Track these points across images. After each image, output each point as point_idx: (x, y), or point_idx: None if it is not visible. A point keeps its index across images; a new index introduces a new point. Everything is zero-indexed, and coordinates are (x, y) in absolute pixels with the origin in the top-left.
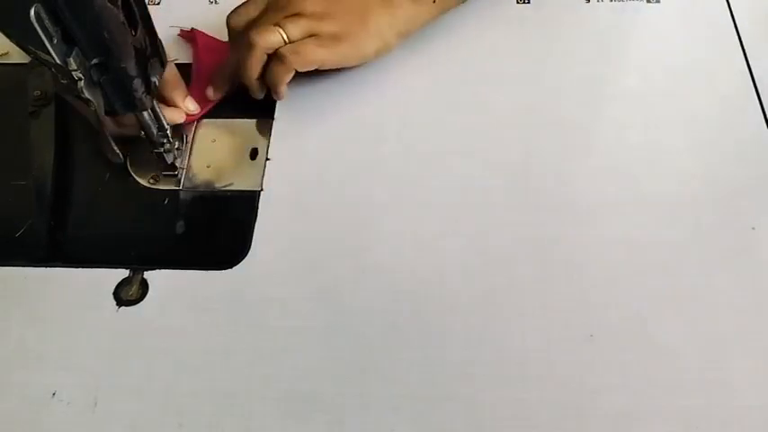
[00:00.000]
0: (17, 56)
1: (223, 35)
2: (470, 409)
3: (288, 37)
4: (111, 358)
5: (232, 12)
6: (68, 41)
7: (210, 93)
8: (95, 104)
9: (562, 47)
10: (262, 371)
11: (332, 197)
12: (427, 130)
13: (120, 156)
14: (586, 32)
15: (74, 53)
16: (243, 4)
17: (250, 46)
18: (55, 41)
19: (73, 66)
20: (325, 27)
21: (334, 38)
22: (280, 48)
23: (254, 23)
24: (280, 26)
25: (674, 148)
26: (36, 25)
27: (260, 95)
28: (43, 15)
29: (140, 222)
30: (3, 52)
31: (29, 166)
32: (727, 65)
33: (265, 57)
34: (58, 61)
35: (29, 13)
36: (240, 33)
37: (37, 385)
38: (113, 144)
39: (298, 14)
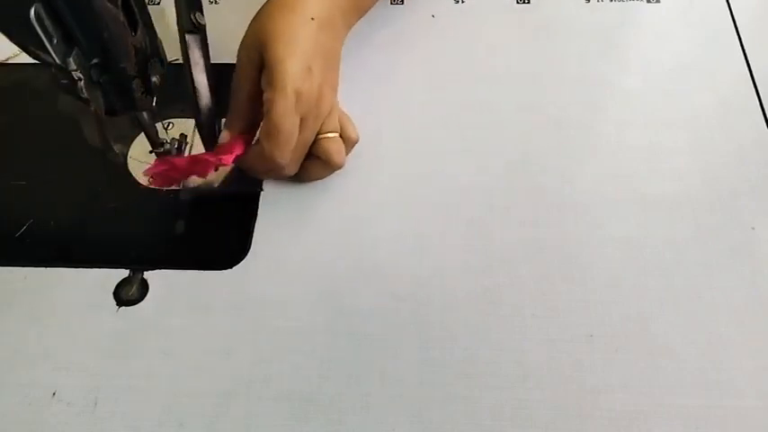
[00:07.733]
0: (22, 55)
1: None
2: (470, 409)
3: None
4: (111, 358)
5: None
6: (68, 42)
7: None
8: (96, 104)
9: (562, 47)
10: (262, 371)
11: (332, 197)
12: (427, 130)
13: (121, 156)
14: (586, 32)
15: (74, 53)
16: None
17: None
18: (55, 41)
19: (73, 66)
20: (330, 120)
21: (333, 117)
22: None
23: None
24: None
25: (674, 148)
26: (36, 25)
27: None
28: (43, 15)
29: (140, 222)
30: (14, 54)
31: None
32: (727, 65)
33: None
34: (58, 61)
35: (29, 14)
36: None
37: (37, 385)
38: (113, 144)
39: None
